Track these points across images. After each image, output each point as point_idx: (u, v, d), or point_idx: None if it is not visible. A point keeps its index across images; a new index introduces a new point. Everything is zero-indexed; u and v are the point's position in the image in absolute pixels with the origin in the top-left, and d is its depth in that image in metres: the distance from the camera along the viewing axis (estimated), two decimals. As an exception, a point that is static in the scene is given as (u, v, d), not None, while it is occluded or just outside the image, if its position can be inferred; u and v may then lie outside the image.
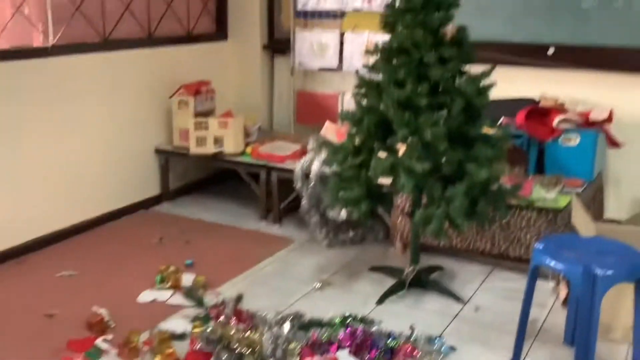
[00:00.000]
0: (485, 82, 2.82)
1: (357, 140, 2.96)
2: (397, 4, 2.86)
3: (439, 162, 2.80)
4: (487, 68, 2.88)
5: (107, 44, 3.94)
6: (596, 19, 3.77)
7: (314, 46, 4.65)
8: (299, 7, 4.64)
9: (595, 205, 3.76)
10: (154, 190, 4.42)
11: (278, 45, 4.88)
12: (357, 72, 3.00)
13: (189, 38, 4.58)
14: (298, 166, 3.85)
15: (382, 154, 2.81)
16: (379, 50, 2.93)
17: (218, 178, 4.77)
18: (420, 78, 2.82)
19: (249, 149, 4.17)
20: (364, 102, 2.96)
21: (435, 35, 2.81)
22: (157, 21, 4.31)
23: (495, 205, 2.94)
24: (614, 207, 3.99)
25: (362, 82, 2.95)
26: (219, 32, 4.87)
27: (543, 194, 3.30)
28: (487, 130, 2.90)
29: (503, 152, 2.92)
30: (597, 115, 3.55)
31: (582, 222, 2.89)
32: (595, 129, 3.56)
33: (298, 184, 3.84)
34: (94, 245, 3.74)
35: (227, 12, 4.87)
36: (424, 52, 2.79)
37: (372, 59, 2.98)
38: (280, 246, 3.74)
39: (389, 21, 2.89)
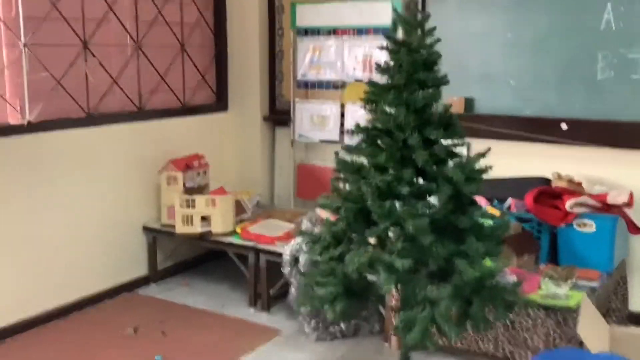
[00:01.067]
0: (477, 166, 2.51)
1: (336, 230, 2.66)
2: (380, 80, 2.60)
3: (424, 257, 2.46)
4: (482, 150, 2.57)
5: (91, 119, 3.77)
6: (613, 92, 3.45)
7: (314, 118, 4.42)
8: (299, 77, 4.44)
9: (617, 298, 3.35)
10: (140, 270, 4.16)
11: (279, 116, 4.67)
12: (336, 153, 2.72)
13: (184, 110, 4.40)
14: (287, 249, 3.55)
15: (359, 248, 2.50)
16: (361, 130, 2.66)
17: (210, 257, 4.49)
18: (404, 162, 2.53)
19: (239, 228, 3.90)
20: (344, 187, 2.67)
21: (420, 115, 2.52)
22: (149, 93, 4.15)
23: (492, 305, 2.57)
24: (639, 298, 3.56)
25: (342, 166, 2.66)
26: (219, 102, 4.69)
27: (553, 289, 2.91)
28: (487, 216, 2.57)
29: (499, 245, 2.56)
30: (615, 198, 3.19)
31: (592, 330, 2.50)
32: (614, 213, 3.19)
33: (286, 270, 3.53)
34: (64, 335, 3.46)
35: (227, 83, 4.71)
36: (408, 133, 2.50)
37: (354, 140, 2.71)
38: (265, 339, 3.40)
39: (370, 99, 2.62)
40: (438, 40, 2.57)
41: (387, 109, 2.56)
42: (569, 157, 3.59)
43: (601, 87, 3.46)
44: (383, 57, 2.60)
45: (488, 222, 2.58)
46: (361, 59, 4.20)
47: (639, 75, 3.35)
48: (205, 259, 4.49)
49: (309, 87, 4.45)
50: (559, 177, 3.45)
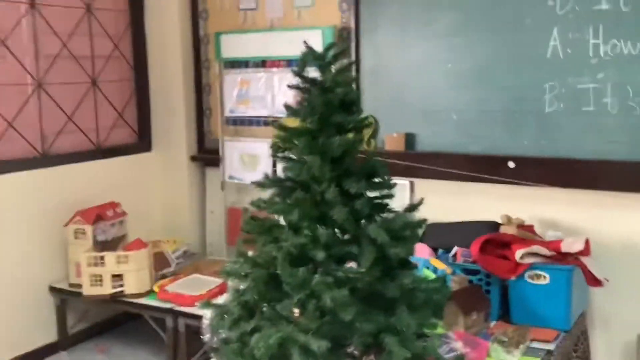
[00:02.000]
0: (404, 223, 2.13)
1: (245, 301, 2.24)
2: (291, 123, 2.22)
3: (346, 335, 2.07)
4: (414, 202, 2.21)
5: (-18, 168, 3.32)
6: (563, 126, 3.13)
7: (244, 157, 4.03)
8: (227, 112, 4.05)
9: (578, 356, 2.99)
10: (49, 336, 3.67)
11: (208, 155, 4.26)
12: (244, 210, 2.33)
13: (99, 152, 3.96)
14: (208, 312, 3.12)
15: (272, 324, 2.09)
16: (273, 182, 2.27)
17: (128, 318, 3.98)
18: (323, 221, 2.14)
19: (157, 287, 3.45)
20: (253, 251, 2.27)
21: (337, 164, 2.14)
22: (54, 136, 3.70)
23: (432, 385, 2.18)
24: (603, 355, 3.21)
25: (250, 225, 2.26)
26: (141, 142, 4.26)
27: (503, 355, 2.54)
28: (421, 281, 2.19)
29: (437, 314, 2.18)
30: (570, 246, 2.84)
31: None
32: (569, 263, 2.84)
33: (207, 337, 3.10)
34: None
35: (149, 120, 4.28)
36: (325, 186, 2.12)
37: (266, 194, 2.32)
38: (181, 418, 2.97)
39: (280, 146, 2.24)
40: (355, 78, 2.21)
41: (299, 157, 2.18)
42: (518, 197, 3.25)
43: (550, 121, 3.14)
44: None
45: (424, 287, 2.20)
46: (293, 93, 3.84)
47: (591, 107, 3.05)
48: (123, 320, 4.00)
49: (238, 124, 4.06)
50: (509, 220, 3.10)
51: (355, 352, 2.29)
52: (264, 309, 2.23)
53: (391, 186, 2.25)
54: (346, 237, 2.19)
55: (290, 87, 2.21)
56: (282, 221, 2.25)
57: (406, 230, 2.18)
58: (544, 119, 3.16)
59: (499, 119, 3.28)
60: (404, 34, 3.49)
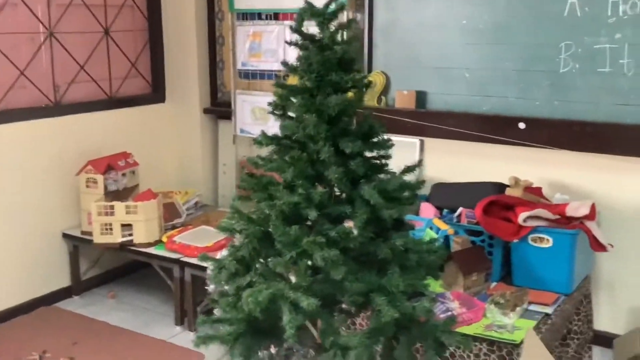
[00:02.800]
0: (400, 184, 2.11)
1: (241, 256, 2.27)
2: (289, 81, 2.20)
3: (336, 294, 2.09)
4: (408, 165, 2.18)
5: (-5, 116, 3.37)
6: (577, 87, 3.05)
7: (256, 111, 4.01)
8: (239, 65, 4.02)
9: (580, 319, 2.98)
10: (62, 281, 3.77)
11: (221, 108, 4.25)
12: (242, 167, 2.34)
13: (112, 102, 3.98)
14: (216, 262, 3.17)
15: (265, 280, 2.12)
16: (270, 140, 2.26)
17: (138, 265, 4.05)
18: (318, 181, 2.14)
19: (165, 237, 3.51)
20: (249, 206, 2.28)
21: (333, 124, 2.12)
22: (67, 85, 3.72)
23: (422, 346, 2.20)
24: (607, 318, 3.20)
25: (247, 180, 2.27)
26: (155, 93, 4.27)
27: (499, 318, 2.54)
28: (413, 243, 2.19)
29: (431, 276, 2.19)
30: (575, 210, 2.80)
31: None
32: (574, 227, 2.81)
33: (211, 286, 3.16)
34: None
35: (164, 71, 4.27)
36: (320, 145, 2.10)
37: (263, 150, 2.31)
38: (184, 366, 3.06)
39: (278, 104, 2.22)
40: (355, 37, 2.16)
41: (297, 116, 2.17)
42: (528, 159, 3.20)
43: (564, 81, 3.06)
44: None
45: (417, 248, 2.20)
46: (305, 47, 3.78)
47: (607, 68, 2.95)
48: (134, 268, 4.08)
49: (251, 77, 4.03)
50: (516, 182, 3.06)
51: (348, 310, 2.32)
52: (258, 265, 2.27)
53: (389, 146, 2.23)
54: (343, 196, 2.21)
55: (288, 43, 2.19)
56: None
57: (401, 191, 2.17)
58: (558, 79, 3.08)
59: (512, 78, 3.20)
60: (419, -13, 3.40)
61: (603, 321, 3.20)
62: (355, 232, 2.15)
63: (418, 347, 2.27)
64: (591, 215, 2.80)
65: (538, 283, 2.83)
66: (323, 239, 2.04)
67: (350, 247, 2.12)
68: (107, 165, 3.63)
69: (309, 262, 2.09)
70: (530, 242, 2.83)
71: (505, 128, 3.19)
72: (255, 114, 4.01)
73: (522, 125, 3.13)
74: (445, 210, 3.23)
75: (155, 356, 3.14)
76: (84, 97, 3.83)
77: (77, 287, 3.81)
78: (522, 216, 2.76)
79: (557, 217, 2.83)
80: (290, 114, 2.21)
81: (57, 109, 3.66)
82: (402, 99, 3.50)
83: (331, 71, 2.10)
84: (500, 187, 3.10)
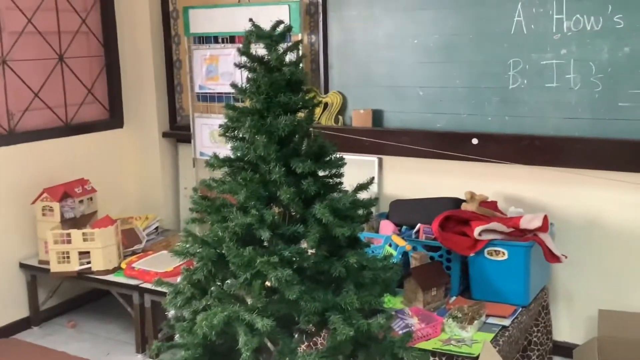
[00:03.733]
0: (352, 202, 2.13)
1: (196, 280, 2.26)
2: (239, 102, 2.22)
3: (292, 314, 2.09)
4: (361, 183, 2.21)
5: (-54, 146, 3.31)
6: (526, 102, 3.12)
7: (214, 134, 4.01)
8: (197, 89, 4.03)
9: (539, 330, 3.03)
10: (20, 312, 3.69)
11: (181, 132, 4.24)
12: (194, 189, 2.33)
13: (68, 129, 3.93)
14: (172, 287, 3.14)
15: (220, 303, 2.11)
16: (222, 162, 2.26)
17: (98, 293, 3.97)
18: (270, 201, 2.15)
19: (124, 264, 3.47)
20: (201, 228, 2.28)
21: (284, 144, 2.14)
22: (21, 113, 3.68)
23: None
24: (566, 328, 3.25)
25: (200, 203, 2.26)
26: (113, 118, 4.24)
27: (457, 332, 2.57)
28: (366, 260, 2.20)
29: (386, 292, 2.20)
30: (528, 222, 2.85)
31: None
32: (528, 240, 2.86)
33: (171, 312, 3.12)
34: None
35: (121, 96, 4.25)
36: (272, 166, 2.12)
37: (215, 173, 2.31)
38: (146, 394, 3.01)
39: (229, 126, 2.23)
40: (302, 56, 2.19)
41: (249, 137, 2.18)
42: (482, 173, 3.26)
43: (514, 97, 3.13)
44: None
45: (372, 265, 2.22)
46: (262, 69, 3.80)
47: (554, 83, 3.04)
48: (93, 296, 4.01)
49: (208, 100, 4.04)
50: (472, 196, 3.11)
51: (306, 330, 2.32)
52: (214, 287, 2.26)
53: (340, 165, 2.26)
54: (297, 216, 2.22)
55: (237, 65, 2.21)
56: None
57: (354, 209, 2.19)
58: (508, 95, 3.15)
59: (464, 95, 3.27)
60: (371, 8, 3.46)
61: (562, 331, 3.25)
62: (310, 251, 2.17)
63: (378, 365, 2.27)
64: (544, 227, 2.85)
65: (496, 296, 2.87)
66: (277, 259, 2.04)
67: (305, 267, 2.13)
68: (64, 192, 3.58)
69: (265, 283, 2.10)
70: (486, 255, 2.87)
71: (459, 144, 3.25)
72: (214, 137, 4.01)
73: (475, 141, 3.19)
74: (404, 227, 3.26)
75: (116, 385, 3.09)
76: (39, 125, 3.78)
77: (36, 317, 3.73)
78: (477, 230, 2.81)
79: (512, 230, 2.88)
80: (242, 135, 2.23)
81: (12, 137, 3.61)
82: (359, 117, 3.54)
83: (280, 92, 2.13)
84: (456, 202, 3.15)
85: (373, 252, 3.01)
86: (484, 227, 2.79)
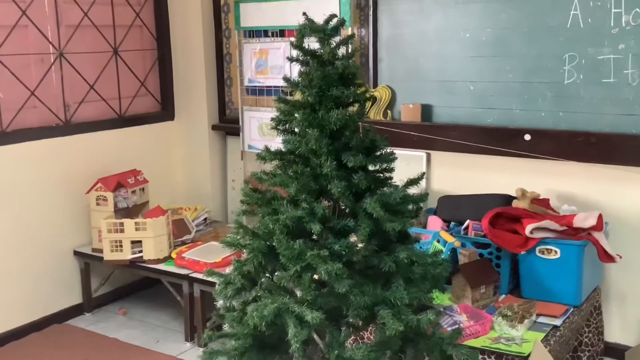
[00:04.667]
0: (403, 197, 2.12)
1: (247, 271, 2.28)
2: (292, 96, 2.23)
3: (341, 307, 2.09)
4: (411, 178, 2.20)
5: (7, 137, 3.40)
6: (581, 98, 3.04)
7: (263, 127, 4.05)
8: (246, 82, 4.06)
9: (590, 331, 2.96)
10: (74, 299, 3.80)
11: (230, 124, 4.29)
12: (245, 182, 2.36)
13: (122, 121, 4.02)
14: (222, 278, 3.18)
15: (271, 294, 2.13)
16: (273, 155, 2.28)
17: (149, 282, 4.06)
18: (320, 194, 2.15)
19: (174, 253, 3.54)
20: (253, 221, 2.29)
21: (336, 138, 2.14)
22: (76, 105, 3.78)
23: (430, 357, 2.20)
24: (618, 329, 3.17)
25: (250, 196, 2.28)
26: (164, 111, 4.31)
27: (506, 330, 2.53)
28: (417, 256, 2.19)
29: (435, 288, 2.19)
30: (582, 221, 2.79)
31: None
32: (582, 238, 2.80)
33: (219, 302, 3.16)
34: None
35: (172, 89, 4.32)
36: (323, 160, 2.12)
37: (267, 165, 2.33)
38: (194, 381, 3.06)
39: (280, 120, 2.24)
40: (355, 50, 2.19)
41: (300, 131, 2.19)
42: (534, 171, 3.20)
43: (568, 92, 3.06)
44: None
45: (422, 261, 2.20)
46: (311, 63, 3.81)
47: (611, 78, 2.95)
48: (144, 284, 4.10)
49: (258, 94, 4.07)
50: (523, 194, 3.05)
51: (354, 324, 2.33)
52: (264, 279, 2.28)
53: (391, 159, 2.25)
54: (347, 210, 2.22)
55: (289, 59, 2.22)
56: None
57: (405, 204, 2.18)
58: (562, 90, 3.08)
59: (517, 90, 3.21)
60: (422, 2, 3.42)
61: (614, 333, 3.17)
62: (360, 245, 2.17)
63: (425, 361, 2.26)
64: (598, 226, 2.78)
65: (546, 295, 2.82)
66: (327, 252, 2.05)
67: (355, 261, 2.13)
68: (117, 182, 3.67)
69: (314, 276, 2.11)
70: (537, 253, 2.82)
71: (510, 140, 3.19)
72: (263, 130, 4.05)
73: (527, 137, 3.13)
74: (452, 223, 3.23)
75: (165, 372, 3.16)
76: (94, 116, 3.88)
77: (88, 304, 3.84)
78: (529, 228, 2.76)
79: (565, 228, 2.83)
80: (293, 129, 2.25)
81: (68, 128, 3.71)
82: (407, 112, 3.52)
83: (332, 86, 2.13)
84: (507, 199, 3.10)
85: (421, 247, 3.01)
86: (536, 224, 2.74)
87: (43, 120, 3.62)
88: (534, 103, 3.16)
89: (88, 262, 3.77)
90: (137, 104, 4.15)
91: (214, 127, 4.32)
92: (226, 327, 3.21)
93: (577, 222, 2.80)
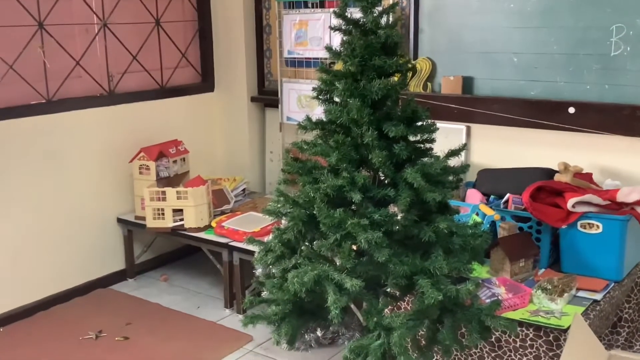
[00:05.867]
0: (443, 168, 2.11)
1: (287, 239, 2.32)
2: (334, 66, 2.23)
3: (381, 276, 2.11)
4: (452, 149, 2.19)
5: (52, 105, 3.49)
6: (629, 70, 2.97)
7: (302, 99, 4.05)
8: (285, 54, 4.07)
9: (631, 307, 2.93)
10: (117, 265, 3.91)
11: (268, 96, 4.31)
12: (286, 151, 2.38)
13: (164, 92, 4.08)
14: (262, 245, 3.23)
15: (310, 261, 2.16)
16: (314, 125, 2.29)
17: (191, 250, 4.15)
18: (360, 164, 2.17)
19: (214, 222, 3.60)
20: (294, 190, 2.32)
21: (377, 108, 2.14)
22: (120, 75, 3.84)
23: (466, 329, 2.21)
24: (659, 307, 3.13)
25: (292, 165, 2.31)
26: (205, 82, 4.36)
27: (546, 304, 2.52)
28: (456, 226, 2.19)
29: (475, 259, 2.19)
30: (626, 195, 2.74)
31: (583, 357, 2.12)
32: (625, 213, 2.75)
33: (259, 270, 3.22)
34: (21, 338, 3.24)
35: (213, 61, 4.36)
36: (364, 129, 2.13)
37: (307, 135, 2.35)
38: (234, 347, 3.12)
39: (322, 89, 2.25)
40: (398, 19, 2.17)
41: (341, 100, 2.19)
42: (578, 144, 3.14)
43: (615, 65, 2.99)
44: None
45: (462, 232, 2.20)
46: (351, 34, 3.79)
47: (661, 49, 2.88)
48: (185, 252, 4.20)
49: (297, 65, 4.07)
50: (566, 168, 3.01)
51: (392, 293, 2.35)
52: (303, 247, 2.31)
53: (432, 130, 2.24)
54: (387, 180, 2.23)
55: (332, 28, 2.21)
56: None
57: (445, 175, 2.18)
58: (609, 62, 3.00)
59: (561, 62, 3.14)
60: (466, -28, 3.37)
61: (656, 310, 3.13)
62: (399, 215, 2.18)
63: (463, 332, 2.27)
64: (643, 201, 2.73)
65: (587, 270, 2.78)
66: (367, 221, 2.07)
67: (394, 230, 2.15)
68: (159, 152, 3.74)
69: (354, 245, 2.13)
70: (579, 228, 2.79)
71: (554, 113, 3.14)
72: (301, 102, 4.06)
73: (571, 110, 3.07)
74: (492, 197, 3.20)
75: (205, 337, 3.23)
76: (137, 87, 3.94)
77: (131, 270, 3.95)
78: (571, 202, 2.72)
79: (608, 202, 2.78)
80: (335, 99, 2.25)
81: (111, 98, 3.79)
82: (448, 84, 3.48)
83: (374, 56, 2.13)
84: (549, 173, 3.06)
85: (460, 220, 3.00)
86: (578, 199, 2.71)
87: (88, 90, 3.69)
88: (579, 75, 3.10)
89: (131, 229, 3.87)
90: (178, 75, 4.20)
91: (253, 99, 4.35)
92: (265, 294, 3.28)
93: (621, 197, 2.75)
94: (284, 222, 3.47)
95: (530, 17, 3.20)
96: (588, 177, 3.05)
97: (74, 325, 3.35)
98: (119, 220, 3.87)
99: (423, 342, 2.34)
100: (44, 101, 3.47)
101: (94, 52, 3.70)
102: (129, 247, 3.91)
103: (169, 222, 3.57)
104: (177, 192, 3.53)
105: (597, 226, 2.76)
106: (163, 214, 3.57)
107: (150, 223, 3.60)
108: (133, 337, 3.23)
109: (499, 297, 2.55)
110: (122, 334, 3.25)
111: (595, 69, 3.06)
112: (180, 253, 4.21)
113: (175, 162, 3.86)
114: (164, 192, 3.54)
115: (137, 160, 3.73)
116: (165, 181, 3.76)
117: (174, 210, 3.59)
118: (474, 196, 3.19)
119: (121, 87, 3.86)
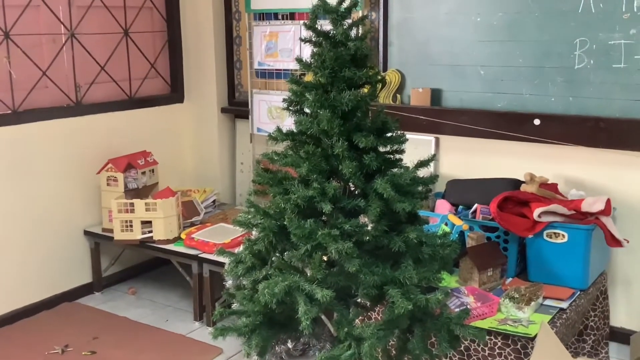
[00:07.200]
0: (413, 178, 2.14)
1: (257, 250, 2.31)
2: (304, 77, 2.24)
3: (351, 286, 2.12)
4: (422, 160, 2.22)
5: (19, 116, 3.43)
6: (592, 83, 3.05)
7: (272, 110, 4.06)
8: (256, 65, 4.07)
9: (596, 315, 2.99)
10: (84, 278, 3.84)
11: (239, 107, 4.31)
12: (257, 162, 2.38)
13: (132, 102, 4.04)
14: (233, 257, 3.22)
15: (281, 273, 2.16)
16: (284, 136, 2.30)
17: (159, 262, 4.12)
18: (331, 175, 2.18)
19: (184, 234, 3.57)
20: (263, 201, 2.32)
21: (347, 119, 2.15)
22: (87, 86, 3.80)
23: (436, 338, 2.23)
24: (624, 314, 3.20)
25: (262, 175, 2.31)
26: (174, 93, 4.33)
27: (513, 312, 2.56)
28: (424, 236, 2.21)
29: (444, 269, 2.21)
30: (590, 205, 2.80)
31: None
32: (590, 223, 2.81)
33: (229, 282, 3.20)
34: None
35: (182, 71, 4.34)
36: (334, 140, 2.14)
37: (278, 146, 2.35)
38: None
39: (292, 100, 2.26)
40: (368, 32, 2.19)
41: (312, 111, 2.20)
42: (543, 155, 3.21)
43: (579, 77, 3.06)
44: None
45: (431, 242, 2.23)
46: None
47: (622, 64, 2.95)
48: (154, 264, 4.15)
49: (267, 77, 4.08)
50: (532, 178, 3.06)
51: (362, 303, 2.36)
52: (274, 258, 2.31)
53: (402, 141, 2.27)
54: (357, 191, 2.24)
55: (302, 40, 2.23)
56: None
57: (414, 185, 2.20)
58: (573, 75, 3.08)
59: (527, 75, 3.21)
60: (433, -15, 3.43)
61: (620, 317, 3.19)
62: (370, 225, 2.19)
63: (433, 341, 2.29)
64: (606, 211, 2.80)
65: (554, 278, 2.84)
66: (337, 232, 2.08)
67: (365, 241, 2.16)
68: (127, 163, 3.70)
69: (324, 255, 2.14)
70: (545, 237, 2.84)
71: (520, 124, 3.20)
72: (272, 113, 4.06)
73: (537, 122, 3.13)
74: (460, 207, 3.24)
75: (174, 350, 3.19)
76: (105, 97, 3.90)
77: (99, 283, 3.88)
78: (537, 212, 2.77)
79: (573, 212, 2.84)
80: (305, 110, 2.26)
81: (79, 108, 3.74)
82: (417, 96, 3.52)
83: (344, 67, 2.16)
84: (515, 184, 3.11)
85: (429, 230, 3.03)
86: (544, 208, 2.76)
87: (54, 101, 3.64)
88: (544, 88, 3.17)
89: (98, 241, 3.81)
90: (147, 85, 4.17)
91: (223, 110, 4.34)
92: (236, 306, 3.26)
93: (585, 207, 2.81)
94: (254, 233, 3.46)
95: (497, 31, 3.27)
96: (553, 187, 3.11)
97: (40, 340, 3.28)
98: (86, 233, 3.81)
99: (393, 352, 2.35)
100: (9, 112, 3.41)
101: (61, 63, 3.65)
102: (96, 259, 3.85)
103: (137, 234, 3.53)
104: (146, 203, 3.49)
105: (563, 235, 2.81)
106: (131, 226, 3.52)
107: (118, 235, 3.55)
108: (100, 351, 3.17)
109: (468, 306, 2.58)
110: (89, 348, 3.19)
111: (559, 81, 3.13)
112: (149, 265, 4.16)
113: (144, 173, 3.82)
114: (132, 204, 3.50)
115: (104, 172, 3.68)
116: (134, 193, 3.72)
117: (143, 222, 3.55)
118: (442, 206, 3.23)
119: (89, 98, 3.81)
